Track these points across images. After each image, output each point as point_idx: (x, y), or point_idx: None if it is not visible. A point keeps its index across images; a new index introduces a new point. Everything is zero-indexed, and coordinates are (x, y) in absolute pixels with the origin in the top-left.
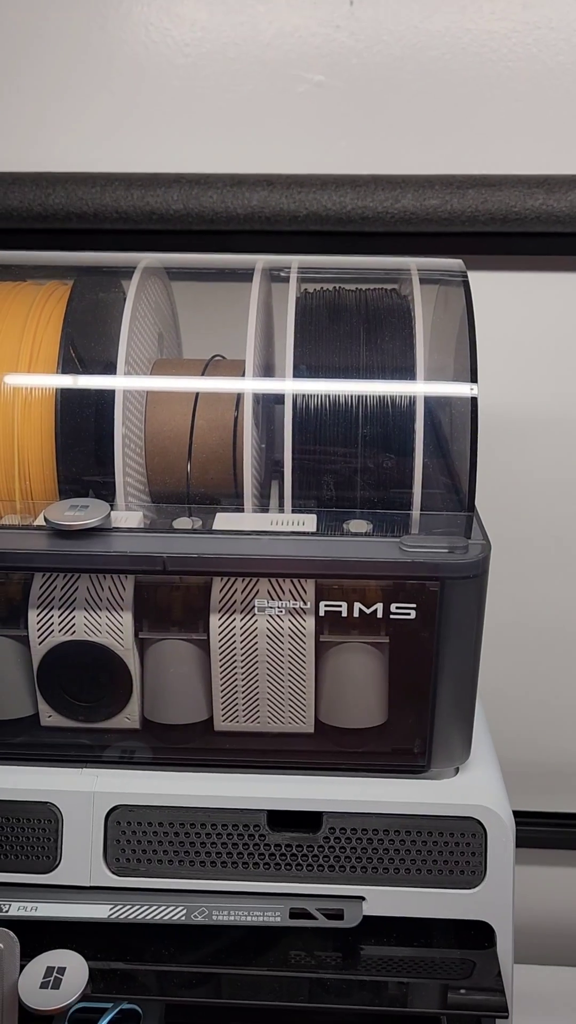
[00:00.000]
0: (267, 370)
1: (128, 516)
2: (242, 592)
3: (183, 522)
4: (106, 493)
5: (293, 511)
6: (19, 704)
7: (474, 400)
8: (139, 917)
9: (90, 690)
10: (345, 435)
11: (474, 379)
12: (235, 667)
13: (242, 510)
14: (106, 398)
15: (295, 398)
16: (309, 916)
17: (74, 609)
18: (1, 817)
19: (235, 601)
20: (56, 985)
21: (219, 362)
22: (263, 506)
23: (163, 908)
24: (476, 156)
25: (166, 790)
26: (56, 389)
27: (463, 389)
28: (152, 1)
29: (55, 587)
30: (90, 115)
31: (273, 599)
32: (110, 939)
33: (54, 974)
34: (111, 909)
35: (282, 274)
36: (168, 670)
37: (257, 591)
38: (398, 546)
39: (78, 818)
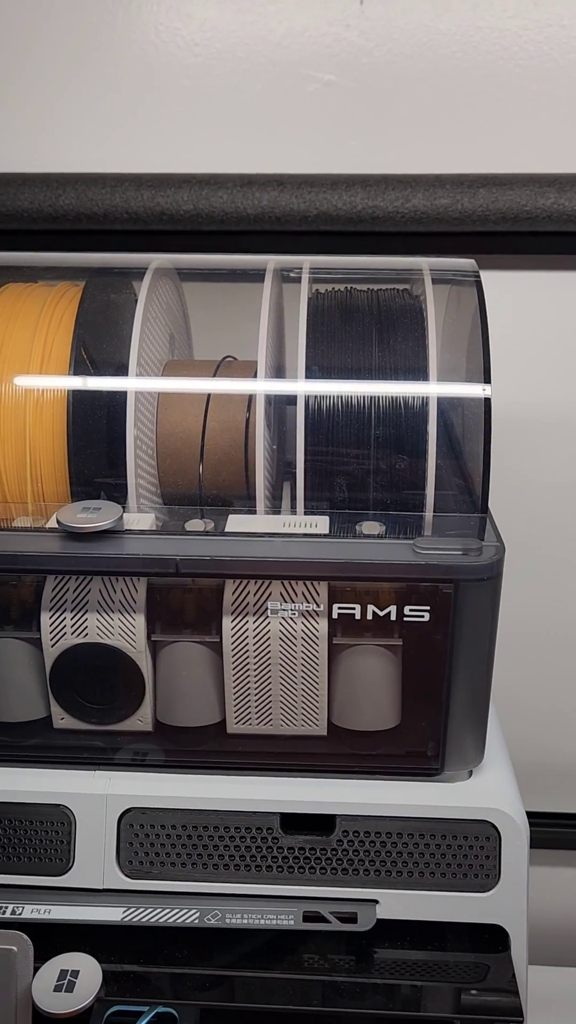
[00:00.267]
0: (278, 371)
1: (140, 518)
2: (255, 594)
3: (195, 524)
4: (118, 495)
5: (305, 513)
6: (32, 706)
7: (487, 400)
8: (152, 920)
9: (103, 692)
10: (357, 436)
11: (487, 379)
12: (248, 669)
13: (254, 512)
14: (118, 399)
15: (307, 399)
16: (322, 919)
17: (86, 611)
18: (14, 820)
19: (248, 603)
20: (70, 988)
21: (231, 363)
22: (275, 508)
23: (176, 911)
24: (487, 155)
25: (179, 793)
26: (68, 391)
27: (476, 390)
28: (161, 1)
29: (67, 589)
30: (100, 115)
31: (286, 601)
32: (123, 942)
33: (67, 977)
34: (124, 912)
35: (292, 274)
36: (181, 672)
37: (270, 593)
38: (411, 548)
39: (91, 821)
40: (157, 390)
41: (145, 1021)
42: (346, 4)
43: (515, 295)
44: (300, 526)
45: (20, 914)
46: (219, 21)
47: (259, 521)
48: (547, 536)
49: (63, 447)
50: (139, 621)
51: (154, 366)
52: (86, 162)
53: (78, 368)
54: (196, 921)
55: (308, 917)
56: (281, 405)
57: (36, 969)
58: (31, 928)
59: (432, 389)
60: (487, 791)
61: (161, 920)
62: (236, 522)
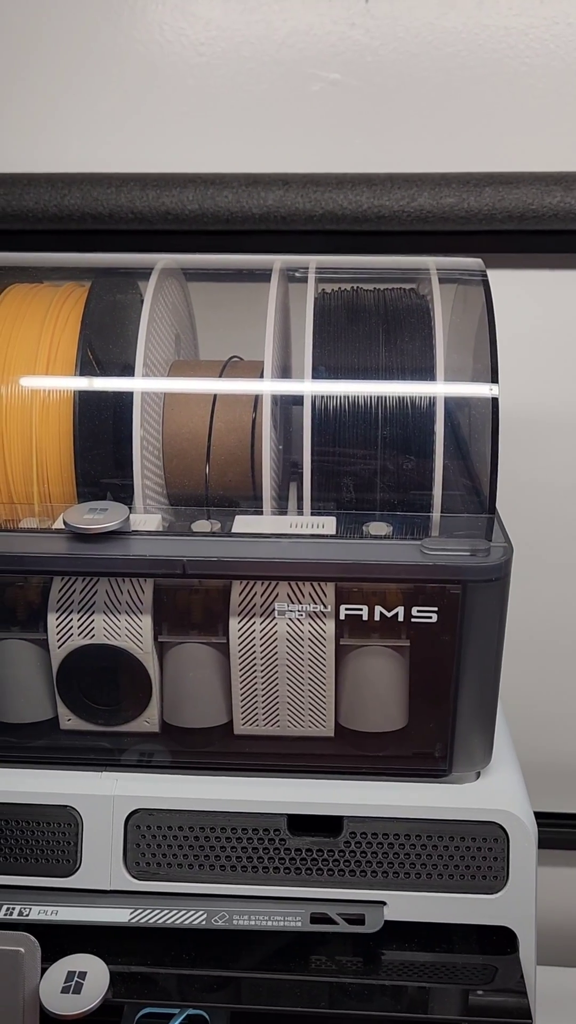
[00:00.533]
0: (284, 371)
1: (147, 519)
2: (262, 595)
3: (202, 525)
4: (124, 496)
5: (312, 513)
6: (39, 708)
7: (495, 400)
8: (160, 922)
9: (109, 694)
10: (364, 436)
11: (495, 379)
12: (255, 671)
13: (261, 513)
14: (124, 400)
15: (314, 399)
16: (330, 921)
17: (93, 612)
18: (21, 821)
19: (255, 604)
20: (77, 990)
21: (237, 363)
22: (282, 508)
23: (183, 912)
24: (493, 153)
25: (186, 794)
26: (74, 391)
27: (483, 389)
28: (166, 0)
29: (74, 590)
30: (104, 115)
31: (293, 602)
32: (131, 943)
33: (75, 979)
34: (131, 913)
35: (298, 274)
36: (187, 674)
37: (277, 594)
38: (419, 549)
39: (98, 822)
40: (163, 391)
41: (176, 1023)
42: (351, 3)
43: (521, 294)
44: (307, 527)
45: (27, 915)
46: (224, 20)
47: (266, 522)
48: (555, 537)
49: (69, 448)
50: (146, 622)
51: (160, 366)
52: (91, 162)
53: (84, 369)
54: (203, 923)
55: (315, 919)
56: (287, 405)
57: (43, 970)
58: (38, 929)
59: (439, 389)
60: (495, 792)
61: (168, 921)
62: (243, 523)
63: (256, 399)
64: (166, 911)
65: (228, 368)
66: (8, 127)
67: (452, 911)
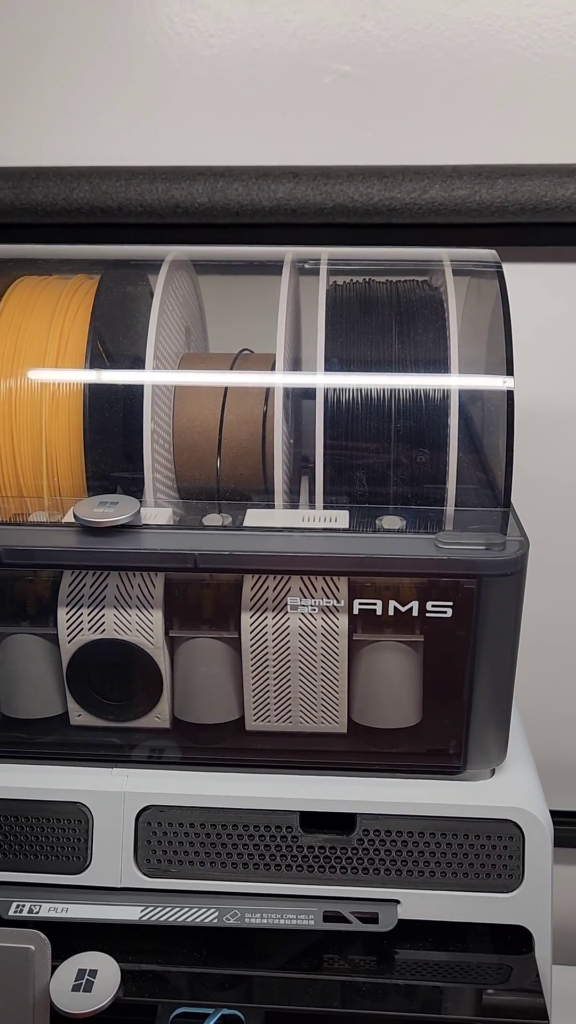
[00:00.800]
0: (296, 364)
1: (157, 512)
2: (274, 590)
3: (213, 519)
4: (135, 489)
5: (324, 507)
6: (48, 703)
7: (510, 393)
8: (170, 920)
9: (120, 689)
10: (377, 430)
11: (510, 372)
12: (267, 666)
13: (272, 506)
14: (134, 393)
15: (326, 392)
16: (343, 919)
17: (104, 607)
18: (31, 817)
19: (267, 599)
20: (88, 988)
21: (247, 356)
22: (293, 502)
23: (195, 910)
24: (505, 145)
25: (197, 790)
26: (84, 384)
27: (498, 382)
28: None
29: (84, 584)
30: (113, 108)
31: (305, 597)
32: (141, 941)
33: (86, 976)
34: (142, 911)
35: (307, 266)
36: (199, 669)
37: (289, 589)
38: (433, 543)
39: (108, 818)
40: (174, 383)
41: (212, 1023)
42: None
43: (535, 287)
44: (320, 520)
45: (37, 913)
46: (233, 12)
47: (278, 515)
48: (570, 534)
49: (79, 441)
50: (157, 617)
51: (170, 359)
52: (100, 155)
53: (94, 361)
54: (215, 920)
55: (328, 917)
56: (299, 398)
57: (54, 968)
58: (48, 927)
59: (453, 382)
60: (510, 790)
61: (179, 919)
62: (254, 516)
63: (267, 392)
64: (177, 909)
65: (239, 361)
66: (17, 121)
67: (467, 910)
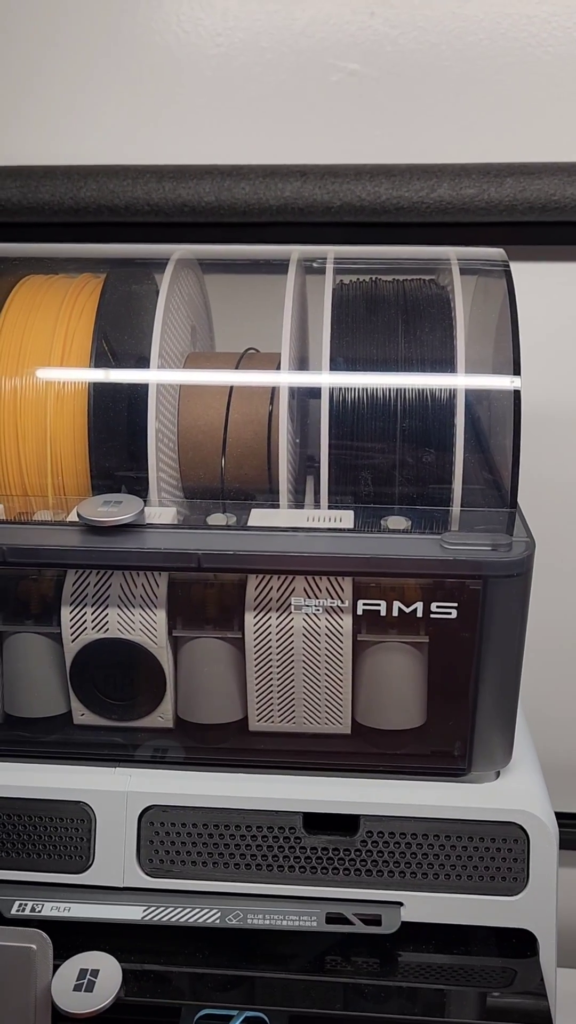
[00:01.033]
0: (302, 363)
1: (162, 512)
2: (278, 590)
3: (217, 518)
4: (139, 488)
5: (329, 507)
6: (52, 702)
7: (517, 393)
8: (173, 920)
9: (123, 688)
10: (383, 429)
11: (517, 371)
12: (270, 666)
13: (277, 506)
14: (139, 392)
15: (332, 391)
16: (346, 921)
17: (107, 606)
18: (34, 816)
19: (271, 599)
20: (89, 988)
21: (253, 355)
22: (298, 502)
23: (197, 911)
24: (514, 144)
25: (200, 791)
26: (89, 383)
27: (505, 382)
28: None
29: (88, 584)
30: (120, 107)
31: (310, 597)
32: (143, 941)
33: (87, 976)
34: (144, 911)
35: (315, 265)
36: (202, 669)
37: (293, 589)
38: (439, 543)
39: (111, 818)
40: (179, 382)
41: None
42: None
43: (543, 286)
44: (324, 520)
45: (39, 912)
46: (241, 10)
47: (282, 515)
48: (571, 532)
49: (84, 440)
50: (160, 616)
51: (176, 358)
52: (107, 154)
53: (99, 360)
54: (217, 921)
55: (331, 919)
56: (304, 398)
57: (55, 968)
58: (50, 926)
59: (460, 381)
60: (515, 792)
61: (182, 920)
62: (259, 516)
63: (273, 391)
64: (179, 909)
65: (244, 360)
66: (24, 120)
67: (471, 913)
